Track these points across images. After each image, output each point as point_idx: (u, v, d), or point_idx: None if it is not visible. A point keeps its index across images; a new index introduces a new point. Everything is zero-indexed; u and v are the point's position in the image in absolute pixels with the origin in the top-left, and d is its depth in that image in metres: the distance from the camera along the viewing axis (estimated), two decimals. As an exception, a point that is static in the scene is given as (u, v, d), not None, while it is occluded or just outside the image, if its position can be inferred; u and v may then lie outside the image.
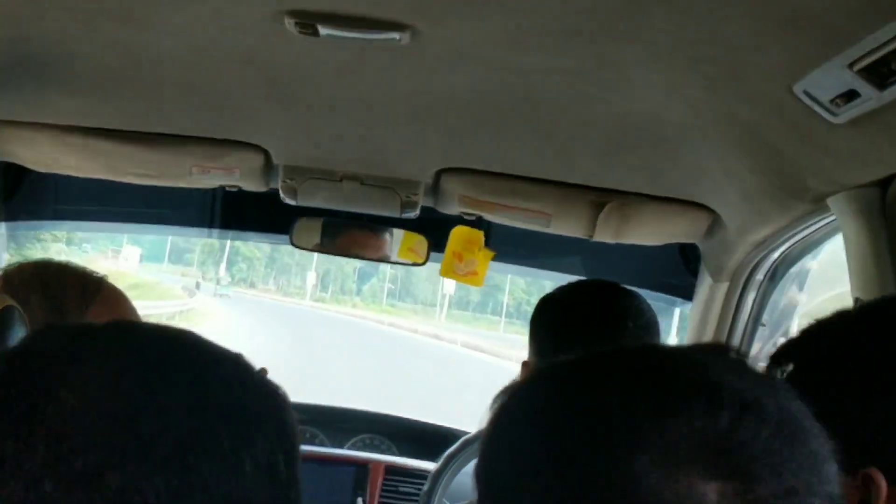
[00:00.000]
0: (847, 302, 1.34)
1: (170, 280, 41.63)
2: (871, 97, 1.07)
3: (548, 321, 1.67)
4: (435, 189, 2.13)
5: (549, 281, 2.60)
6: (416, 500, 2.77)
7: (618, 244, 2.12)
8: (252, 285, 58.65)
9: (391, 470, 2.98)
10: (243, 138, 1.99)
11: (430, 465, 2.63)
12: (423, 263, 2.45)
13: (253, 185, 2.18)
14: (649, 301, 1.69)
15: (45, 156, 2.05)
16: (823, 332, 0.96)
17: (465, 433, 2.75)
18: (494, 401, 0.73)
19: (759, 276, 1.96)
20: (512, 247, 2.40)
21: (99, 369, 0.66)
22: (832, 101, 1.13)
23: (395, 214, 2.19)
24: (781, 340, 1.13)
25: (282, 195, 2.17)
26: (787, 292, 2.06)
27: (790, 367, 0.93)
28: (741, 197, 1.72)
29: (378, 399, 4.18)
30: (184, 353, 0.71)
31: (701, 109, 1.42)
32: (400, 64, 1.40)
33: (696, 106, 1.41)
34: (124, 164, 2.05)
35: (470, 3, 1.15)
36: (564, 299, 1.70)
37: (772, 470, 0.61)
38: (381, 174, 2.13)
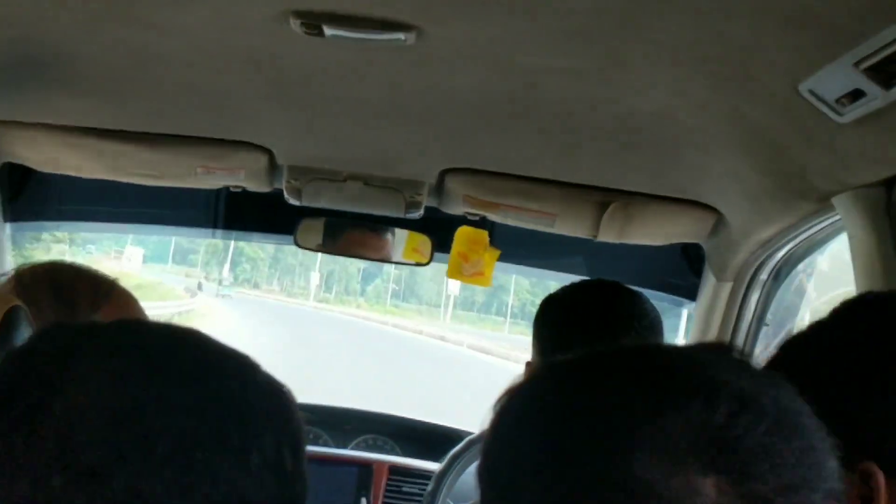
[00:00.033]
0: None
1: (173, 281, 41.64)
2: (876, 96, 1.07)
3: (551, 322, 1.67)
4: (439, 189, 2.13)
5: (554, 281, 2.60)
6: (420, 501, 2.77)
7: (622, 244, 2.12)
8: (256, 286, 58.72)
9: (395, 470, 2.97)
10: (247, 139, 1.99)
11: (433, 466, 2.63)
12: (427, 263, 2.45)
13: (257, 186, 2.18)
14: (653, 301, 1.69)
15: (50, 156, 2.05)
16: (818, 330, 0.96)
17: (469, 433, 2.74)
18: (497, 402, 0.74)
19: (763, 275, 1.96)
20: (515, 247, 2.40)
21: (105, 366, 0.67)
22: (838, 100, 1.13)
23: (400, 215, 2.19)
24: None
25: (286, 195, 2.17)
26: (790, 292, 2.06)
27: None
28: (745, 196, 1.72)
29: (384, 403, 4.16)
30: (189, 350, 0.72)
31: (706, 109, 1.42)
32: (405, 64, 1.40)
33: (700, 105, 1.41)
34: (128, 165, 2.05)
35: (475, 4, 1.15)
36: (567, 299, 1.70)
37: (770, 465, 0.61)
38: (386, 174, 2.13)
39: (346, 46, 1.30)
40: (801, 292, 2.10)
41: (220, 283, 47.99)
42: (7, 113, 1.87)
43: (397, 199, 2.15)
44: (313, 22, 1.22)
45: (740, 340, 2.01)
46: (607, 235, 2.05)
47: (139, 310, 1.46)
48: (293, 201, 2.18)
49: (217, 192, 2.41)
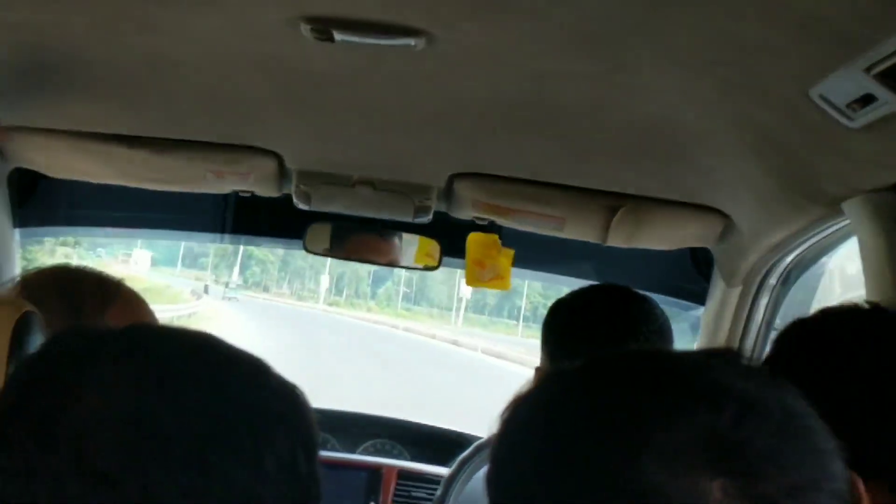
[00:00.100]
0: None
1: (182, 284, 41.76)
2: (887, 101, 1.06)
3: (559, 326, 1.67)
4: (448, 194, 2.13)
5: (566, 286, 2.60)
6: (429, 505, 2.77)
7: (631, 249, 2.12)
8: (265, 289, 58.83)
9: (404, 475, 2.98)
10: (257, 143, 1.99)
11: (442, 470, 2.63)
12: (436, 268, 2.46)
13: (266, 191, 2.18)
14: (662, 306, 1.69)
15: (61, 162, 2.06)
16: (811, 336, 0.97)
17: (478, 438, 2.74)
18: (505, 409, 0.74)
19: (773, 280, 1.96)
20: (524, 252, 2.40)
21: (119, 371, 0.67)
22: (848, 105, 1.12)
23: (409, 219, 2.19)
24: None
25: (295, 200, 2.17)
26: (799, 296, 2.05)
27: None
28: (755, 201, 1.72)
29: (397, 410, 4.14)
30: (202, 353, 0.72)
31: (716, 113, 1.42)
32: (415, 69, 1.40)
33: (710, 109, 1.41)
34: (139, 170, 2.05)
35: (484, 9, 1.15)
36: (576, 304, 1.69)
37: (775, 467, 0.61)
38: (395, 179, 2.13)
39: (356, 52, 1.31)
40: (810, 296, 2.09)
41: (226, 285, 48.07)
42: (18, 118, 1.88)
43: (406, 204, 2.15)
44: (324, 27, 1.22)
45: (749, 345, 2.00)
46: (616, 240, 2.05)
47: (147, 310, 1.46)
48: (302, 206, 2.18)
49: (225, 197, 2.42)
